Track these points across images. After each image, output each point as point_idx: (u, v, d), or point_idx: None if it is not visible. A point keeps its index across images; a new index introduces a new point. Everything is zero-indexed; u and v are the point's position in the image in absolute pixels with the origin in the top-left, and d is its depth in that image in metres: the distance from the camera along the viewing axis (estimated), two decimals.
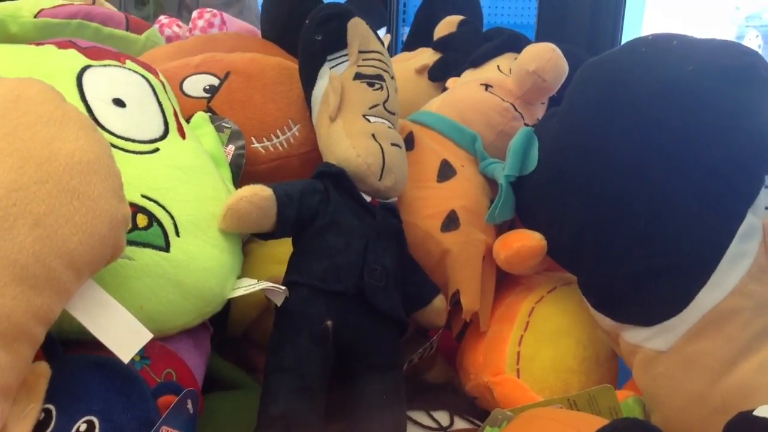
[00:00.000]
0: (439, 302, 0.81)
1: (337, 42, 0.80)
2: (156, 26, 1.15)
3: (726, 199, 0.69)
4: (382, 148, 0.76)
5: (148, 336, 0.54)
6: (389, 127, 0.79)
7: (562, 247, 0.78)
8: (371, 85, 0.79)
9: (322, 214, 0.73)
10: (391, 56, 1.17)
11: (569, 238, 0.76)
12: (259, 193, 0.69)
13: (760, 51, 0.74)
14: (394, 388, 0.72)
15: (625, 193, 0.71)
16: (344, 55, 0.80)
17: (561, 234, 0.78)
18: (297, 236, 0.74)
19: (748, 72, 0.70)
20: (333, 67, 0.80)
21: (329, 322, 0.69)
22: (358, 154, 0.75)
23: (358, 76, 0.79)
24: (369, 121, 0.78)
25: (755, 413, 0.58)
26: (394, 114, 0.82)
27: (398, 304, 0.74)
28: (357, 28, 0.81)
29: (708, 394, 0.68)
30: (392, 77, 0.83)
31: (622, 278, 0.72)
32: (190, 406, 0.56)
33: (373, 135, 0.76)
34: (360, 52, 0.80)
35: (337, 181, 0.74)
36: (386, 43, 1.29)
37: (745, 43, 1.86)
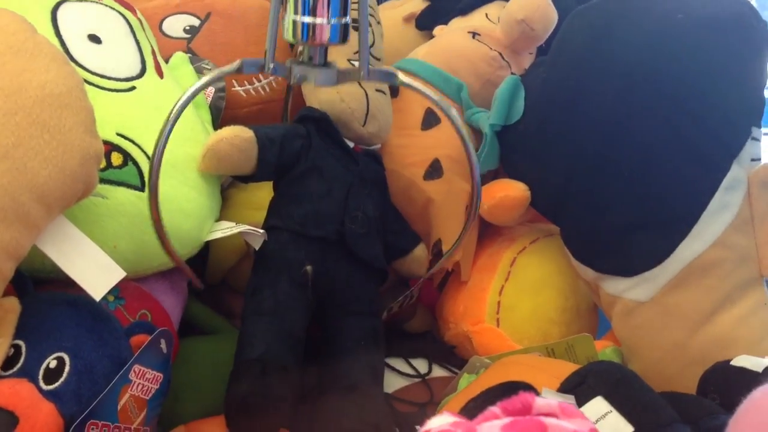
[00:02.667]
0: (420, 251, 0.80)
1: None
2: None
3: (711, 151, 0.69)
4: (366, 94, 0.75)
5: (120, 274, 0.53)
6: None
7: (546, 198, 0.78)
8: (356, 28, 0.77)
9: (303, 159, 0.71)
10: (379, 4, 1.15)
11: (553, 189, 0.76)
12: (240, 134, 0.68)
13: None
14: (373, 335, 0.71)
15: (609, 144, 0.70)
16: None
17: (544, 185, 0.77)
18: (278, 180, 0.72)
19: (737, 21, 0.69)
20: None
21: (308, 267, 0.68)
22: (342, 99, 0.73)
23: None
24: (353, 65, 0.76)
25: (732, 363, 0.58)
26: (379, 60, 0.80)
27: (379, 252, 0.74)
28: None
29: (686, 345, 0.68)
30: (378, 22, 0.81)
31: (604, 229, 0.72)
32: (163, 345, 0.55)
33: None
34: None
35: (320, 125, 0.73)
36: None
37: None
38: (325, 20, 0.57)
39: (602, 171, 0.71)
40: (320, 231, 0.69)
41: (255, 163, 0.69)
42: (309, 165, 0.71)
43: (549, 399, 0.29)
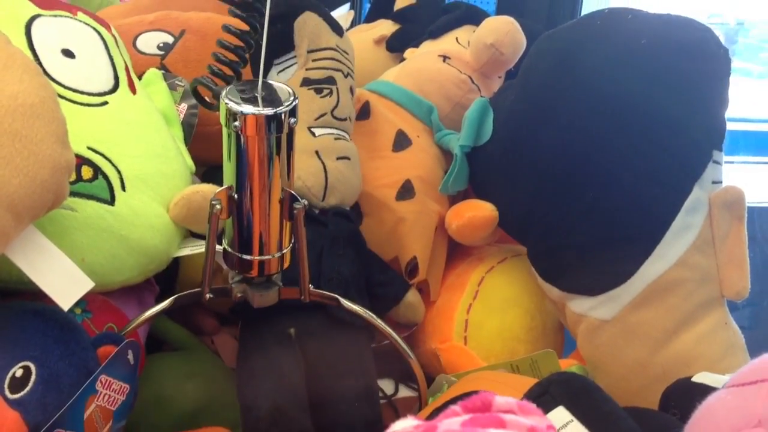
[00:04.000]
0: (412, 297, 0.80)
1: (283, 45, 0.77)
2: None
3: (674, 173, 0.70)
4: (324, 167, 0.74)
5: (89, 284, 0.53)
6: (336, 138, 0.76)
7: (513, 218, 0.79)
8: (319, 92, 0.76)
9: None
10: (351, 27, 1.17)
11: (520, 209, 0.77)
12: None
13: None
14: (366, 394, 0.69)
15: (574, 166, 0.72)
16: (292, 58, 0.78)
17: (512, 205, 0.78)
18: None
19: (699, 47, 0.71)
20: (280, 71, 0.78)
21: (291, 330, 0.67)
22: (299, 176, 0.72)
23: (305, 82, 0.76)
24: (314, 135, 0.75)
25: (693, 379, 0.59)
26: (344, 120, 0.79)
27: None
28: (305, 26, 0.77)
29: (649, 363, 0.69)
30: (347, 75, 0.80)
31: (569, 249, 0.73)
32: (130, 357, 0.55)
33: (316, 152, 0.74)
34: (309, 51, 0.77)
35: None
36: (349, 20, 1.28)
37: None
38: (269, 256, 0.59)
39: (567, 192, 0.73)
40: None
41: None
42: None
43: (507, 398, 0.30)
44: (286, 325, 0.67)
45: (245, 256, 0.59)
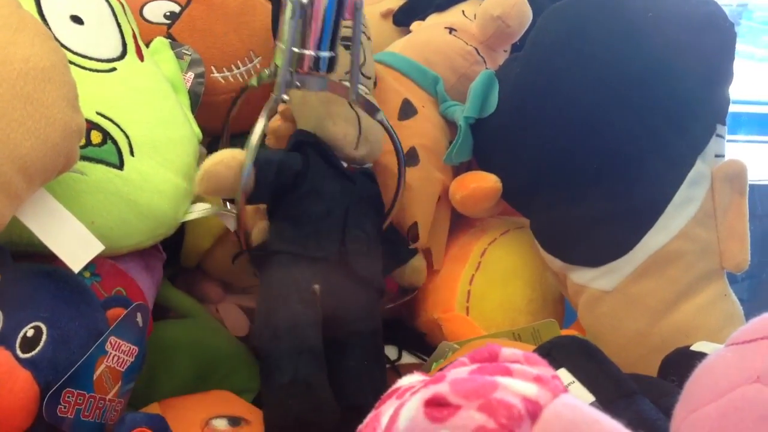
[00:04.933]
0: (418, 262, 0.81)
1: None
2: None
3: (677, 146, 0.71)
4: (358, 116, 0.74)
5: (99, 247, 0.54)
6: (366, 93, 0.76)
7: (517, 190, 0.80)
8: (347, 48, 0.75)
9: (302, 182, 0.70)
10: None
11: (523, 180, 0.78)
12: (237, 156, 0.66)
13: None
14: (375, 354, 0.70)
15: (578, 137, 0.72)
16: None
17: (516, 177, 0.79)
18: (274, 203, 0.71)
19: (706, 21, 0.71)
20: None
21: (316, 287, 0.66)
22: (335, 122, 0.73)
23: None
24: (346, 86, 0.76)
25: (692, 348, 0.60)
26: (369, 78, 0.80)
27: (379, 271, 0.73)
28: None
29: (648, 333, 0.70)
30: (369, 38, 0.81)
31: (572, 221, 0.74)
32: (139, 319, 0.56)
33: (349, 103, 0.74)
34: None
35: (316, 149, 0.72)
36: None
37: None
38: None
39: (572, 164, 0.73)
40: (322, 252, 0.68)
41: (252, 185, 0.68)
42: (307, 188, 0.70)
43: (513, 349, 0.30)
44: (309, 280, 0.67)
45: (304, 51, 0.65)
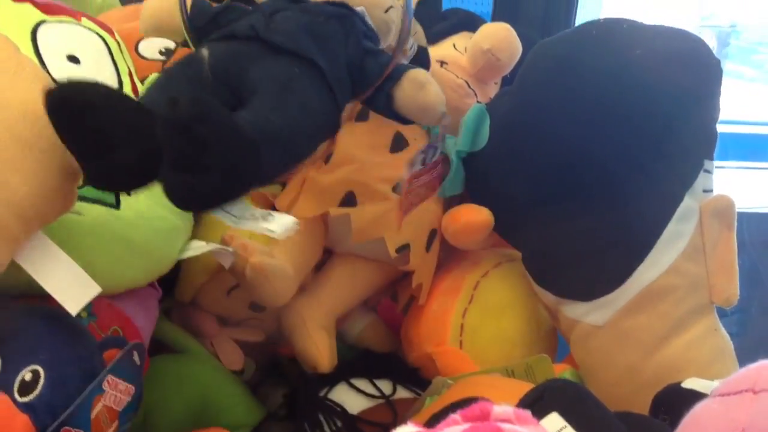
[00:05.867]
0: (415, 73, 0.69)
1: None
2: None
3: (666, 181, 0.72)
4: None
5: (96, 289, 0.55)
6: None
7: (508, 222, 0.80)
8: None
9: None
10: None
11: (515, 214, 0.79)
12: None
13: (714, 51, 0.76)
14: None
15: (567, 173, 0.73)
16: None
17: (507, 210, 0.80)
18: None
19: (692, 57, 0.73)
20: None
21: (204, 50, 0.60)
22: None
23: None
24: None
25: (683, 385, 0.61)
26: None
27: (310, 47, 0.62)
28: None
29: (640, 368, 0.71)
30: None
31: (563, 254, 0.75)
32: (136, 358, 0.56)
33: None
34: None
35: None
36: None
37: None
38: None
39: (561, 198, 0.74)
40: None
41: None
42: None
43: (505, 407, 0.31)
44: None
45: None
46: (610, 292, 0.71)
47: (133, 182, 0.51)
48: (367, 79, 0.67)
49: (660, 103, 0.72)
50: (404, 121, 0.69)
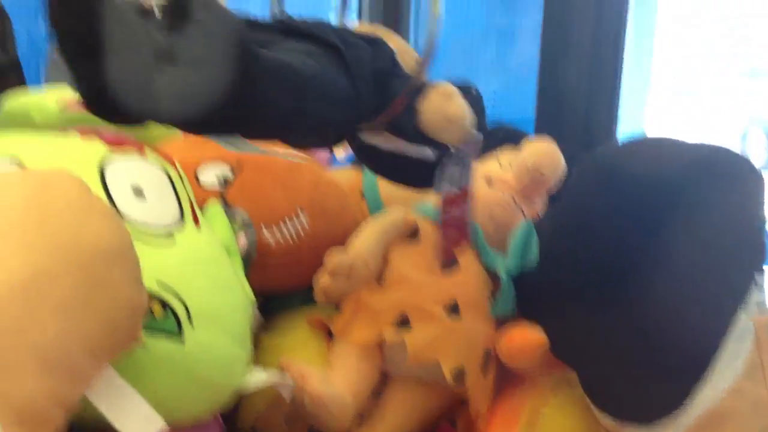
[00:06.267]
0: (444, 85, 0.70)
1: None
2: None
3: (720, 298, 0.72)
4: None
5: (161, 424, 0.55)
6: None
7: (562, 343, 0.80)
8: None
9: None
10: None
11: (567, 334, 0.78)
12: None
13: (764, 149, 0.78)
14: None
15: (621, 295, 0.73)
16: None
17: (560, 330, 0.79)
18: None
19: (733, 173, 0.74)
20: None
21: None
22: None
23: None
24: None
25: None
26: None
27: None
28: None
29: None
30: None
31: (618, 376, 0.74)
32: None
33: None
34: None
35: None
36: None
37: (749, 141, 1.91)
38: None
39: (613, 318, 0.74)
40: None
41: None
42: None
43: None
44: None
45: None
46: (668, 414, 0.70)
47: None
48: (391, 93, 0.69)
49: (704, 218, 0.72)
50: (428, 141, 0.68)
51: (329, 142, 0.79)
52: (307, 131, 0.66)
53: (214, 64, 0.53)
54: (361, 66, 0.67)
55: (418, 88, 0.69)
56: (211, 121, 0.57)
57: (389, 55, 0.72)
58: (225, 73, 0.53)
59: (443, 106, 0.70)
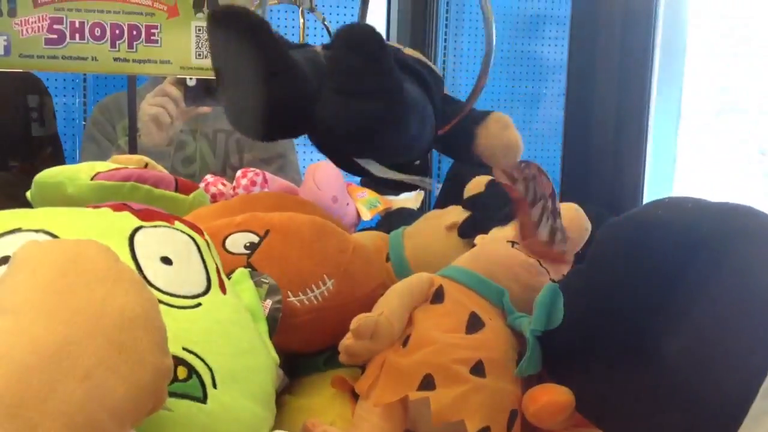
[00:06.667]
0: (498, 115, 0.75)
1: None
2: (202, 185, 1.23)
3: (749, 355, 0.71)
4: None
5: None
6: None
7: (590, 404, 0.79)
8: None
9: None
10: (425, 212, 1.23)
11: (595, 394, 0.78)
12: None
13: None
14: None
15: (645, 353, 0.73)
16: None
17: (587, 390, 0.79)
18: None
19: (759, 233, 0.74)
20: None
21: None
22: None
23: None
24: None
25: None
26: None
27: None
28: None
29: None
30: None
31: None
32: None
33: None
34: None
35: None
36: (419, 201, 1.36)
37: None
38: None
39: (641, 379, 0.74)
40: None
41: None
42: None
43: None
44: None
45: None
46: None
47: None
48: (445, 117, 0.76)
49: (731, 278, 0.72)
50: (478, 162, 0.72)
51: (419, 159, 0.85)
52: (419, 153, 0.74)
53: (381, 98, 0.66)
54: (433, 93, 0.73)
55: (468, 113, 0.75)
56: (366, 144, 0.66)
57: (441, 80, 0.78)
58: (389, 105, 0.66)
59: (502, 135, 0.75)
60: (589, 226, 0.91)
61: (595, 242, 0.83)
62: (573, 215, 0.91)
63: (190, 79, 1.55)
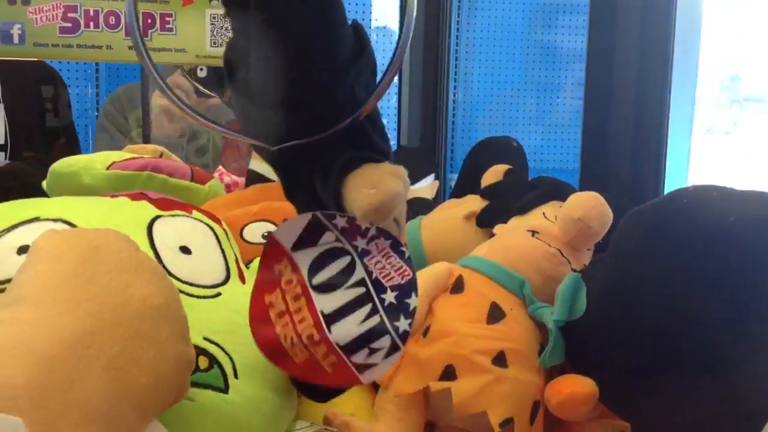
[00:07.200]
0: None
1: None
2: (216, 175, 1.22)
3: None
4: None
5: None
6: None
7: (614, 394, 0.78)
8: None
9: None
10: (440, 202, 1.22)
11: (619, 385, 0.77)
12: None
13: None
14: None
15: (671, 340, 0.72)
16: None
17: (611, 381, 0.78)
18: None
19: None
20: None
21: None
22: None
23: None
24: None
25: None
26: None
27: None
28: None
29: None
30: None
31: (675, 427, 0.72)
32: None
33: None
34: None
35: None
36: (434, 190, 1.34)
37: None
38: None
39: (667, 366, 0.73)
40: None
41: None
42: None
43: None
44: None
45: None
46: None
47: None
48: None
49: (757, 269, 0.71)
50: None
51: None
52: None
53: None
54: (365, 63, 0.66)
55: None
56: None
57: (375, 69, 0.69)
58: None
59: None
60: (611, 214, 0.90)
61: (618, 231, 0.82)
62: (594, 203, 0.90)
63: (201, 69, 1.54)
